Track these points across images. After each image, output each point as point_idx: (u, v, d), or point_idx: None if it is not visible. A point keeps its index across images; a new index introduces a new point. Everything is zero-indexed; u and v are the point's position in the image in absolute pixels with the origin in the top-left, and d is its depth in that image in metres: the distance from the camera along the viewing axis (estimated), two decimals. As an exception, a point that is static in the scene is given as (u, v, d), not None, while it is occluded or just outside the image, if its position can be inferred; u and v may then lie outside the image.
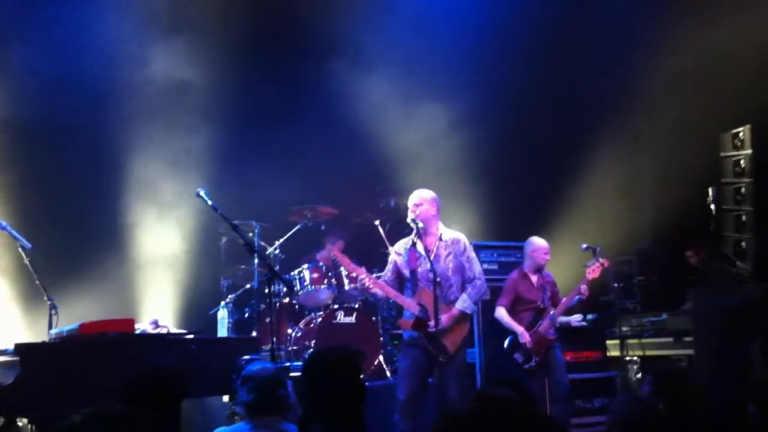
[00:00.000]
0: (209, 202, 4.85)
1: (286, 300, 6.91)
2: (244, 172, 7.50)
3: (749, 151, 6.01)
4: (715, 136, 6.37)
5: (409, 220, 5.06)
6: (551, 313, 5.78)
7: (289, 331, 6.72)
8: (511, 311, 5.88)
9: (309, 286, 6.73)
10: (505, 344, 5.83)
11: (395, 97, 7.91)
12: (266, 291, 5.47)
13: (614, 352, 6.80)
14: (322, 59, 7.87)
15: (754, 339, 5.10)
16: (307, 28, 7.79)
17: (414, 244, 5.03)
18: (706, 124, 6.83)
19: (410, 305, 4.92)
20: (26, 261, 5.28)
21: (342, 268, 6.67)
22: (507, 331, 5.84)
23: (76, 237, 6.82)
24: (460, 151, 7.91)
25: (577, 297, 5.84)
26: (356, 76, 7.83)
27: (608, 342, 6.81)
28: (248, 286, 6.97)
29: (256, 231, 6.81)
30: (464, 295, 4.96)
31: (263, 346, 5.66)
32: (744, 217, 5.94)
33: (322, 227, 7.34)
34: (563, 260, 6.67)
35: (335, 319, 6.43)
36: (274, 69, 7.81)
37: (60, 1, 6.94)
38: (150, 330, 5.37)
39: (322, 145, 7.79)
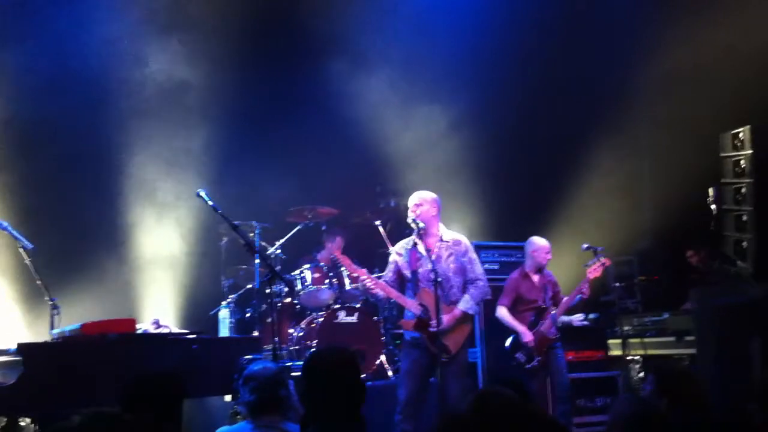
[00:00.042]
0: (210, 203, 4.85)
1: (288, 300, 6.92)
2: (245, 172, 7.50)
3: (749, 152, 6.01)
4: (715, 137, 6.38)
5: (409, 220, 5.07)
6: (552, 312, 5.78)
7: (291, 330, 6.72)
8: (513, 311, 5.89)
9: (310, 286, 6.74)
10: (507, 344, 5.83)
11: (395, 97, 7.91)
12: (267, 291, 5.47)
13: (616, 352, 6.80)
14: (322, 59, 7.86)
15: (755, 339, 5.10)
16: (306, 28, 7.79)
17: (415, 244, 5.04)
18: (706, 125, 6.83)
19: (412, 306, 4.93)
20: (27, 261, 5.29)
21: (343, 268, 6.68)
22: (508, 331, 5.84)
23: (77, 237, 6.82)
24: (460, 151, 7.91)
25: (578, 297, 5.85)
26: (356, 76, 7.83)
27: (610, 341, 6.82)
28: (249, 286, 6.97)
29: (256, 231, 6.81)
30: (467, 296, 4.97)
31: (265, 346, 5.66)
32: (744, 217, 5.94)
33: (323, 227, 7.34)
34: (564, 260, 6.68)
35: (336, 318, 6.43)
36: (273, 69, 7.80)
37: (59, 1, 6.94)
38: (151, 330, 5.38)
39: (322, 145, 7.79)
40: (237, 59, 7.43)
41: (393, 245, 5.39)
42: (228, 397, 4.81)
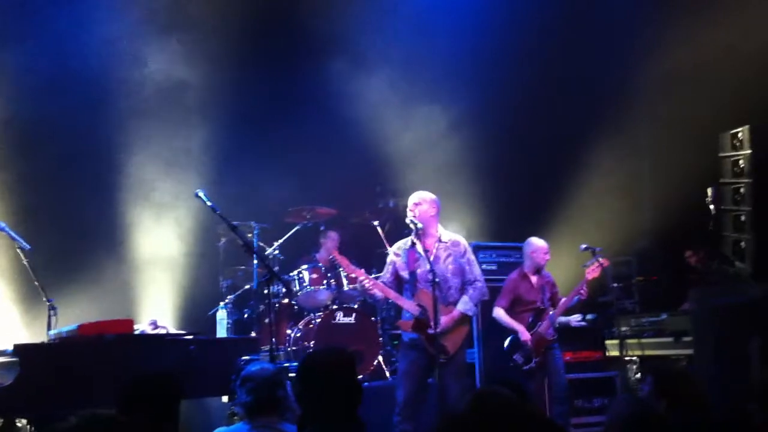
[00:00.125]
0: (208, 203, 4.84)
1: (286, 300, 6.91)
2: (244, 172, 7.49)
3: (748, 152, 6.02)
4: (714, 137, 6.38)
5: (408, 220, 5.06)
6: (551, 313, 5.78)
7: (289, 331, 6.71)
8: (511, 312, 5.88)
9: (308, 287, 6.73)
10: (506, 344, 5.82)
11: (395, 97, 7.90)
12: (265, 292, 5.46)
13: (613, 352, 6.79)
14: (322, 59, 7.86)
15: (754, 339, 5.09)
16: (306, 28, 7.78)
17: (413, 244, 5.03)
18: (705, 125, 6.83)
19: (410, 306, 4.92)
20: (25, 262, 5.28)
21: (341, 269, 6.67)
22: (506, 332, 5.83)
23: (75, 237, 6.81)
24: (460, 151, 7.90)
25: (576, 298, 5.84)
26: (356, 76, 7.83)
27: (607, 342, 6.81)
28: (247, 286, 6.96)
29: (255, 232, 6.80)
30: (465, 297, 4.96)
31: (262, 347, 5.66)
32: (743, 217, 5.94)
33: (321, 228, 7.34)
34: (563, 260, 6.67)
35: (334, 319, 6.42)
36: (273, 69, 7.79)
37: (59, 1, 6.93)
38: (149, 331, 5.37)
39: (322, 145, 7.78)
40: (236, 59, 7.43)
41: (391, 246, 5.38)
42: (225, 398, 4.80)
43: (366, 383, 6.11)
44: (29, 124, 6.76)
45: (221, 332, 6.79)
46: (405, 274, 5.00)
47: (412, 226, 5.02)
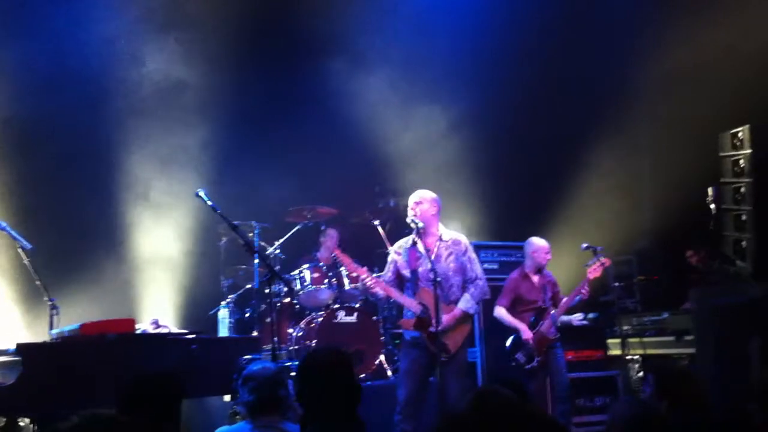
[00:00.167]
0: (209, 203, 4.85)
1: (287, 300, 6.91)
2: (244, 172, 7.49)
3: (748, 151, 6.01)
4: (714, 136, 6.38)
5: (408, 219, 5.06)
6: (552, 312, 5.78)
7: (290, 330, 6.72)
8: (513, 311, 5.88)
9: (309, 286, 6.73)
10: (507, 344, 5.83)
11: (394, 97, 7.90)
12: (266, 291, 5.46)
13: (615, 351, 6.80)
14: (321, 58, 7.86)
15: (754, 338, 5.09)
16: (306, 28, 7.78)
17: (414, 243, 5.03)
18: (706, 124, 6.83)
19: (411, 305, 4.92)
20: (26, 261, 5.28)
21: (342, 268, 6.68)
22: (508, 331, 5.84)
23: (77, 237, 6.81)
24: (460, 151, 7.91)
25: (577, 297, 5.84)
26: (356, 75, 7.83)
27: (609, 341, 6.82)
28: (249, 286, 6.96)
29: (256, 231, 6.80)
30: (467, 295, 4.97)
31: (264, 346, 5.66)
32: (743, 217, 5.94)
33: (322, 227, 7.34)
34: (564, 260, 6.68)
35: (336, 318, 6.42)
36: (273, 68, 7.79)
37: (57, 0, 6.94)
38: (151, 330, 5.38)
39: (322, 145, 7.78)
40: (235, 58, 7.43)
41: (392, 245, 5.39)
42: (227, 397, 4.81)
43: (367, 382, 6.11)
44: (28, 123, 6.76)
45: (223, 331, 6.81)
46: (406, 272, 5.00)
47: (413, 225, 5.02)
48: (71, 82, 6.82)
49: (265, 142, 7.65)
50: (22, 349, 4.21)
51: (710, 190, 6.09)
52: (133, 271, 7.03)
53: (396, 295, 4.99)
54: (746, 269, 5.80)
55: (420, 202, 5.05)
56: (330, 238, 7.13)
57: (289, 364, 5.72)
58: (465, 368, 5.08)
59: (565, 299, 5.87)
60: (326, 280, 6.75)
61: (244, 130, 7.67)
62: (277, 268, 6.76)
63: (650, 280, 7.87)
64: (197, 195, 4.88)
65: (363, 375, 6.22)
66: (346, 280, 6.76)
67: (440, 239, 5.04)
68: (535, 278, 5.93)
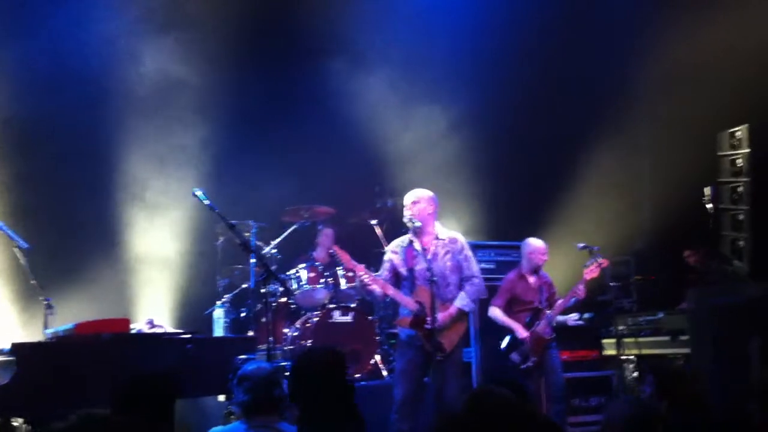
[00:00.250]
0: (206, 202, 4.83)
1: (283, 299, 6.90)
2: (242, 171, 7.47)
3: (746, 151, 6.01)
4: (712, 136, 6.37)
5: (405, 219, 5.05)
6: (548, 313, 5.77)
7: (286, 330, 6.70)
8: (509, 311, 5.88)
9: (305, 286, 6.71)
10: (503, 344, 5.82)
11: (393, 96, 7.90)
12: (262, 291, 5.45)
13: (610, 351, 6.79)
14: (320, 58, 7.85)
15: (753, 338, 5.09)
16: (305, 27, 7.77)
17: (411, 242, 5.03)
18: (704, 124, 6.83)
19: (409, 303, 4.91)
20: (22, 261, 5.26)
21: (339, 268, 6.67)
22: (504, 331, 5.83)
23: (73, 236, 6.80)
24: (459, 150, 7.90)
25: (573, 299, 5.84)
26: (355, 75, 7.82)
27: (604, 341, 6.81)
28: (245, 285, 6.94)
29: (253, 231, 6.78)
30: (463, 294, 4.96)
31: (259, 346, 5.65)
32: (741, 217, 5.94)
33: (319, 227, 7.33)
34: (561, 260, 6.67)
35: (331, 318, 6.41)
36: (271, 67, 7.78)
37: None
38: (146, 330, 5.35)
39: (321, 144, 7.76)
40: (235, 58, 7.42)
41: (389, 245, 5.38)
42: (222, 397, 4.79)
43: (363, 382, 6.10)
44: (27, 122, 6.75)
45: (218, 331, 6.79)
46: (403, 270, 5.00)
47: (410, 224, 5.02)
48: (70, 82, 6.81)
49: (264, 141, 7.64)
50: (17, 348, 4.20)
51: (707, 190, 6.08)
52: (128, 270, 7.02)
53: (393, 292, 4.98)
54: (743, 269, 5.80)
55: (417, 201, 5.04)
56: (325, 236, 7.13)
57: (284, 363, 5.70)
58: (461, 368, 5.08)
59: (560, 301, 5.86)
60: (322, 280, 6.74)
61: (243, 129, 7.65)
62: (274, 267, 6.74)
63: (647, 280, 7.86)
64: (194, 194, 4.86)
65: (358, 375, 6.21)
66: (342, 280, 6.75)
67: (437, 238, 5.03)
68: (532, 279, 5.93)
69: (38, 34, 6.79)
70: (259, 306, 6.69)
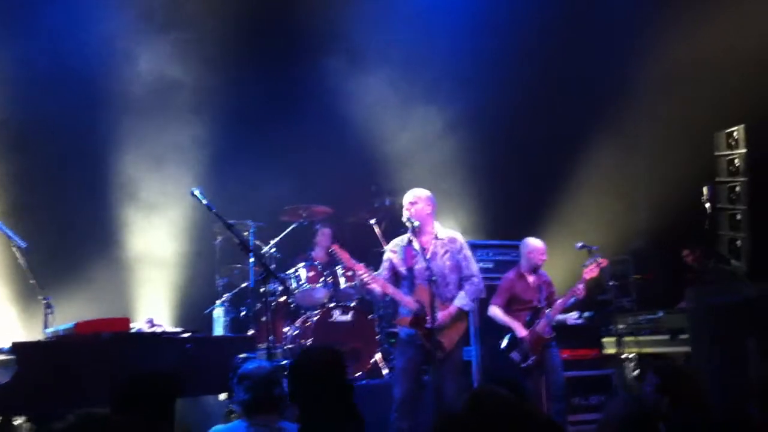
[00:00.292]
0: (204, 202, 4.83)
1: (283, 299, 6.90)
2: (240, 170, 7.47)
3: (743, 151, 6.04)
4: (709, 136, 6.39)
5: (404, 219, 5.06)
6: (547, 312, 5.78)
7: (286, 329, 6.71)
8: (508, 311, 5.89)
9: (305, 285, 6.72)
10: (503, 344, 5.83)
11: (392, 96, 7.90)
12: (262, 290, 5.45)
13: (610, 350, 6.81)
14: (319, 58, 7.85)
15: (751, 338, 5.10)
16: (303, 27, 7.77)
17: (410, 242, 5.03)
18: (701, 124, 6.85)
19: (408, 302, 4.92)
20: (21, 260, 5.26)
21: (338, 267, 6.67)
22: (504, 330, 5.84)
23: (71, 235, 6.80)
24: (457, 150, 7.91)
25: (573, 298, 5.85)
26: (353, 75, 7.82)
27: (604, 340, 6.83)
28: (244, 284, 6.95)
29: (251, 230, 6.78)
30: (462, 293, 4.97)
31: (259, 345, 5.65)
32: (738, 216, 5.96)
33: (317, 226, 7.33)
34: (559, 259, 6.68)
35: (331, 317, 6.42)
36: (269, 67, 7.78)
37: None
38: (145, 329, 5.35)
39: (319, 144, 7.77)
40: (233, 58, 7.42)
41: (387, 244, 5.38)
42: (222, 396, 4.80)
43: (363, 381, 6.11)
44: (25, 122, 6.75)
45: (218, 330, 6.79)
46: (403, 270, 5.00)
47: (408, 224, 5.02)
48: (68, 82, 6.81)
49: (262, 141, 7.64)
50: (17, 347, 4.20)
51: (705, 190, 6.10)
52: (128, 270, 7.02)
53: (392, 291, 4.99)
54: (741, 268, 5.82)
55: (415, 201, 5.05)
56: (323, 236, 7.14)
57: (284, 362, 5.71)
58: (461, 366, 5.09)
59: (559, 301, 5.87)
60: (322, 279, 6.75)
61: (241, 129, 7.66)
62: (273, 266, 6.75)
63: (646, 279, 7.88)
64: (192, 194, 4.86)
65: (358, 374, 6.22)
66: (341, 279, 6.76)
67: (436, 237, 5.04)
68: (531, 278, 5.94)
69: (37, 34, 6.78)
70: (258, 305, 6.69)
